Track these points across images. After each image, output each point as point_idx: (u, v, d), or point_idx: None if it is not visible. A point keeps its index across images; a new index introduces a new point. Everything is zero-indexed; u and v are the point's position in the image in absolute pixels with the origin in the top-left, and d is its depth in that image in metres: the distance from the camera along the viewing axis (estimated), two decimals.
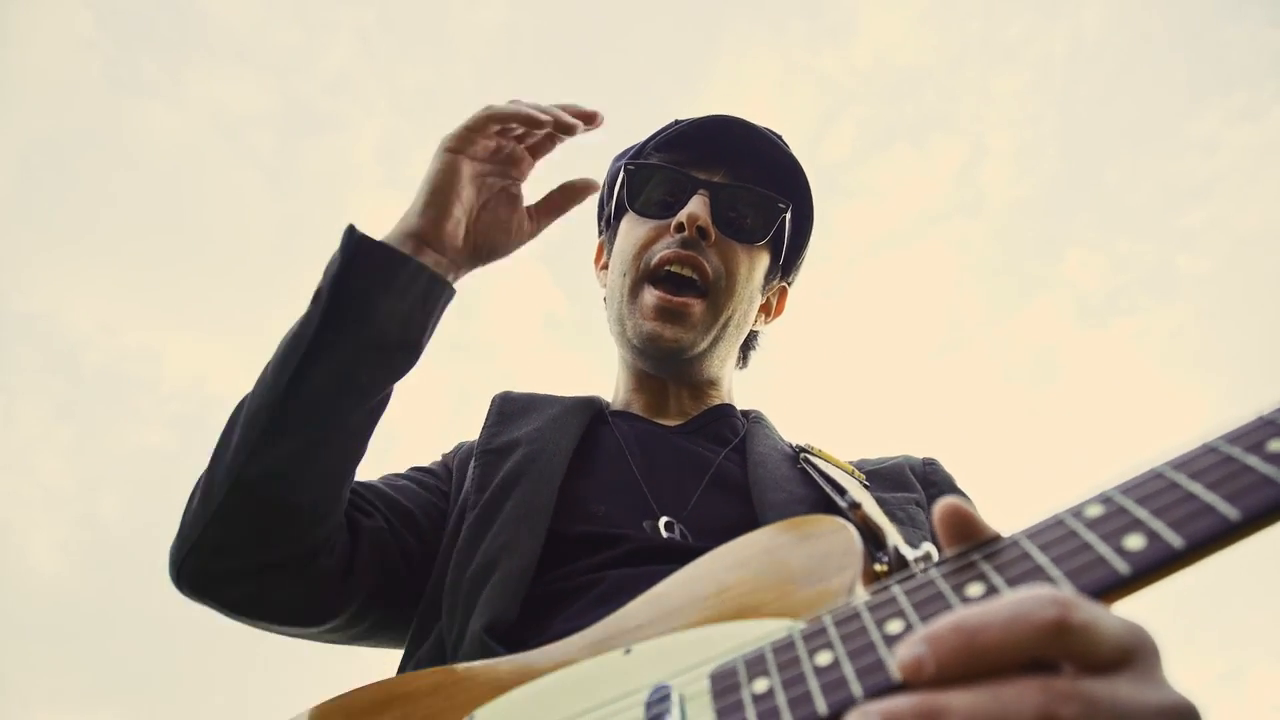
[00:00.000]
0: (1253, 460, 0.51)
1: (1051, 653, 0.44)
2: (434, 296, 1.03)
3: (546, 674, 0.70)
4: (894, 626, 0.54)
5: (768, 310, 1.46)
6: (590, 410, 1.27)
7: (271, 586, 0.99)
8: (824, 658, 0.54)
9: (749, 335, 1.45)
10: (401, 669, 1.01)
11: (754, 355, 1.52)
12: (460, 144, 1.03)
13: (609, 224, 1.42)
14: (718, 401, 1.35)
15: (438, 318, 1.06)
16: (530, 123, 1.02)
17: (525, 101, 1.04)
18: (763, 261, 1.33)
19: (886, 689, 0.50)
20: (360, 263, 0.98)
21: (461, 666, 0.78)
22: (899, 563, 0.71)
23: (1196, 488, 0.51)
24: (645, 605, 0.73)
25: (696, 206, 1.22)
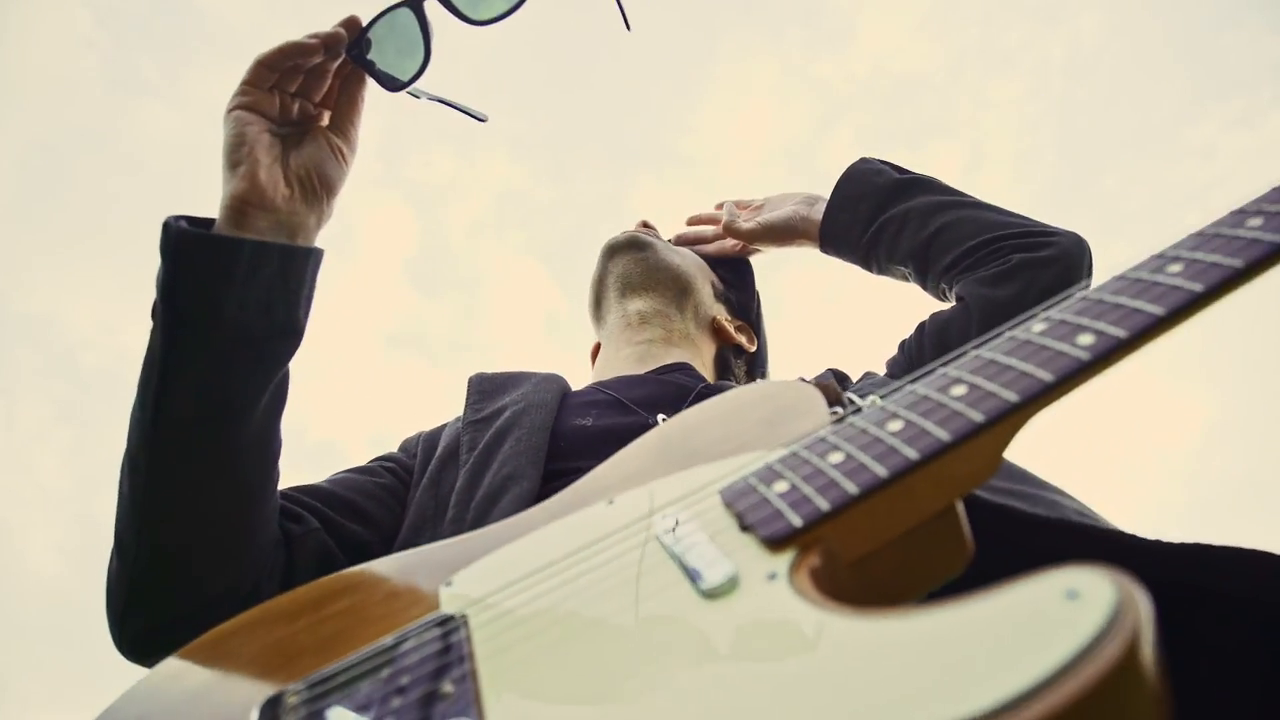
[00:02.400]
0: (1160, 277, 0.63)
1: None
2: (292, 268, 0.94)
3: (522, 536, 0.69)
4: (894, 425, 0.60)
5: (724, 335, 1.57)
6: (563, 381, 1.32)
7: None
8: (836, 456, 0.59)
9: (727, 362, 1.58)
10: None
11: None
12: (241, 100, 0.96)
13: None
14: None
15: (308, 287, 0.97)
16: (298, 51, 0.95)
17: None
18: (705, 266, 1.62)
19: (907, 468, 0.56)
20: (187, 263, 0.88)
21: (421, 548, 0.74)
22: (853, 411, 0.78)
23: (1122, 299, 0.62)
24: (614, 467, 0.74)
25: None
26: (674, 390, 1.25)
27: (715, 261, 1.66)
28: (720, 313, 1.58)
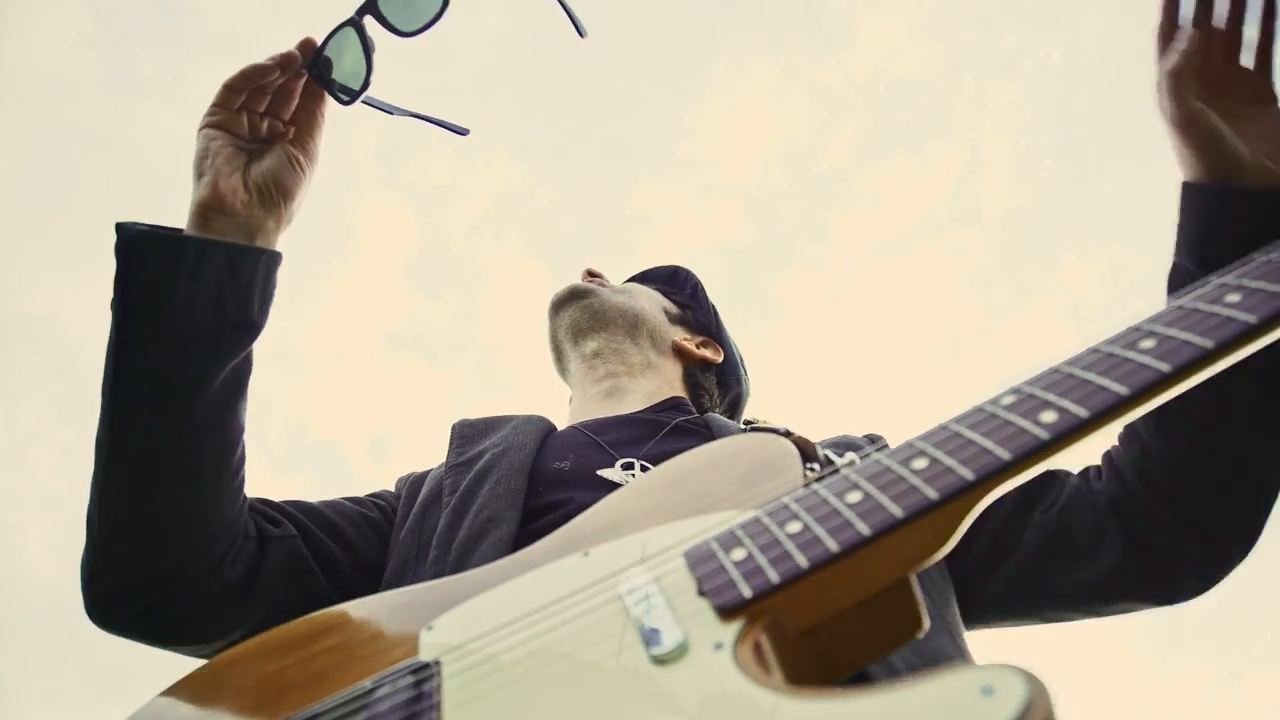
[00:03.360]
0: (1130, 353, 0.63)
1: None
2: (242, 266, 1.01)
3: (501, 584, 0.72)
4: (853, 497, 0.61)
5: (687, 355, 1.58)
6: (545, 422, 1.35)
7: (167, 600, 0.98)
8: (794, 526, 0.61)
9: (695, 379, 1.58)
10: None
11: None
12: (209, 120, 1.06)
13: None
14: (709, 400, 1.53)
15: (262, 284, 1.04)
16: (258, 73, 1.04)
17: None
18: (655, 295, 1.63)
19: (859, 543, 0.57)
20: (137, 258, 0.97)
21: (407, 589, 0.78)
22: (829, 468, 0.79)
23: (1091, 375, 0.62)
24: (594, 517, 0.77)
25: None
26: (649, 429, 1.26)
27: (665, 286, 1.70)
28: (679, 334, 1.60)
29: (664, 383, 1.49)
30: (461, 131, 1.18)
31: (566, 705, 0.55)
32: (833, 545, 0.57)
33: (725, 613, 0.56)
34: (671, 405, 1.40)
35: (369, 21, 1.08)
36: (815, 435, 1.44)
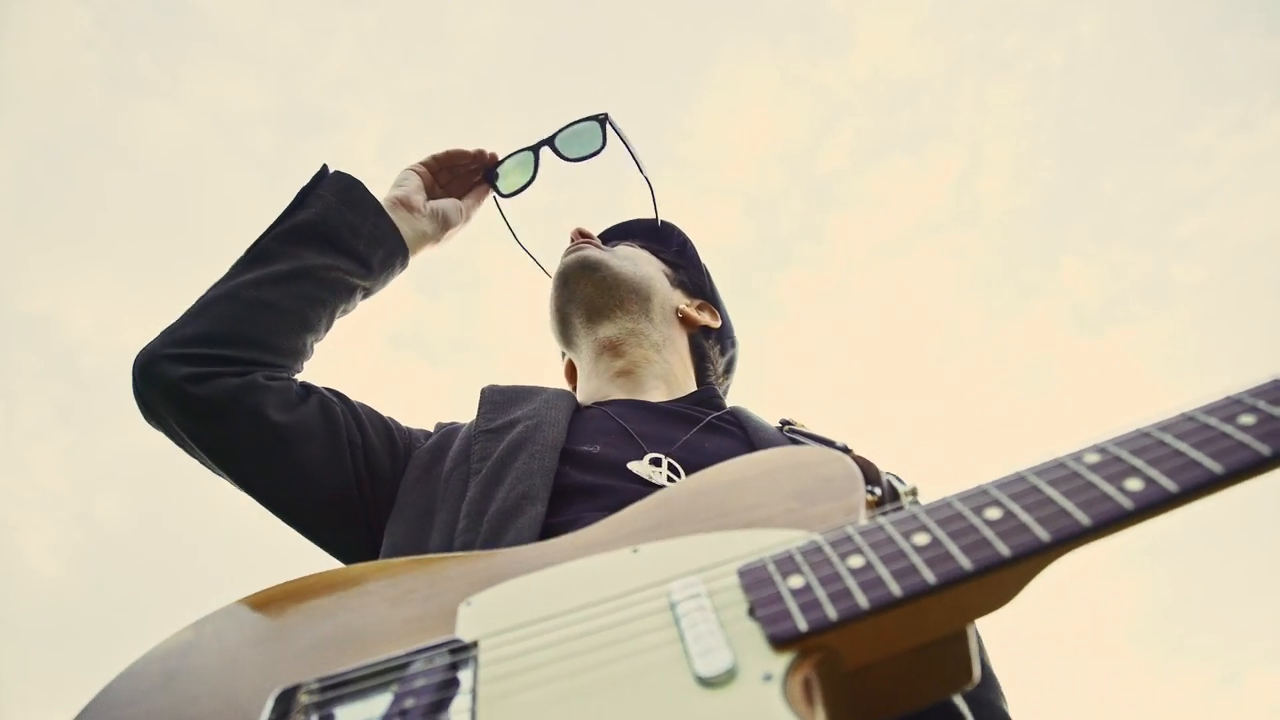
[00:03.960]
0: (1229, 428, 0.60)
1: None
2: (385, 236, 1.33)
3: (544, 568, 0.71)
4: (920, 539, 0.59)
5: (690, 321, 1.57)
6: (572, 397, 1.33)
7: (216, 377, 1.14)
8: (856, 560, 0.59)
9: (701, 348, 1.58)
10: None
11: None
12: (417, 166, 1.48)
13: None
14: (689, 386, 1.49)
15: (385, 258, 1.34)
16: (458, 156, 1.52)
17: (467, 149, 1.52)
18: (653, 259, 1.60)
19: (923, 591, 0.56)
20: (337, 182, 1.33)
21: (437, 557, 0.78)
22: (890, 493, 0.78)
23: (1183, 446, 0.60)
24: (643, 512, 0.76)
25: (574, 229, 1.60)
26: (681, 424, 1.25)
27: (657, 245, 1.65)
28: (680, 300, 1.57)
29: (680, 361, 1.49)
30: (547, 273, 1.59)
31: (605, 715, 0.54)
32: (896, 589, 0.56)
33: (778, 643, 0.55)
34: (700, 399, 1.38)
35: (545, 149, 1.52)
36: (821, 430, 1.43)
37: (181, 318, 1.20)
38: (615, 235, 1.70)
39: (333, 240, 1.27)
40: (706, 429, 1.23)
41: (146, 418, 1.20)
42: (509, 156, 1.52)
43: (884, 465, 0.85)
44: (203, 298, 1.22)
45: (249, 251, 1.26)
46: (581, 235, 1.58)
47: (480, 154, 1.50)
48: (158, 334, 1.18)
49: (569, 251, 1.54)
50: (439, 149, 1.50)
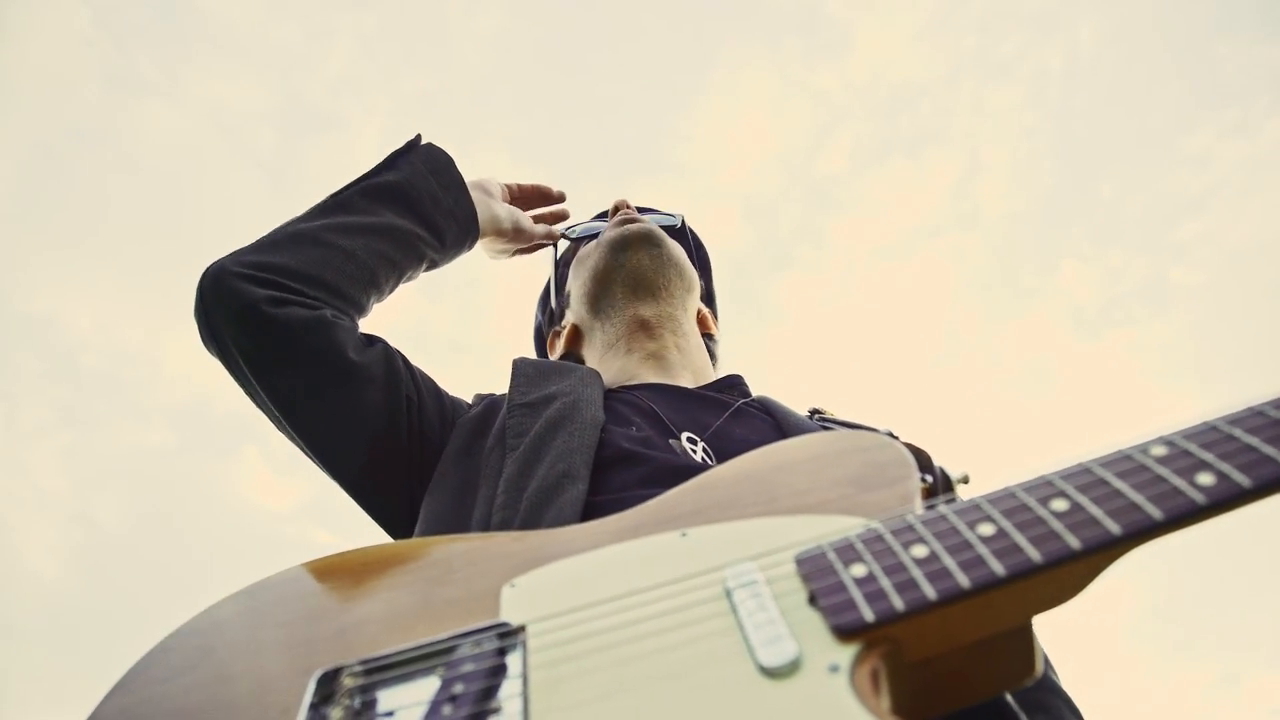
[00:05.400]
0: None
1: None
2: (463, 214, 1.36)
3: (589, 550, 0.69)
4: (986, 529, 0.58)
5: (705, 325, 1.58)
6: (601, 379, 1.30)
7: (291, 304, 1.13)
8: (919, 550, 0.58)
9: (710, 352, 1.57)
10: None
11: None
12: (506, 183, 1.54)
13: (557, 317, 1.64)
14: (713, 370, 1.50)
15: (458, 233, 1.37)
16: (543, 195, 1.60)
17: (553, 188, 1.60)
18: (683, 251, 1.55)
19: (992, 583, 0.54)
20: (430, 152, 1.37)
21: (481, 535, 0.76)
22: (944, 480, 0.76)
23: (1255, 441, 0.58)
24: (690, 494, 0.74)
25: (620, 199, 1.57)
26: (712, 409, 1.23)
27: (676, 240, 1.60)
28: (701, 305, 1.57)
29: (702, 355, 1.48)
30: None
31: (664, 705, 0.53)
32: (964, 581, 0.54)
33: (843, 633, 0.54)
34: (727, 385, 1.36)
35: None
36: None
37: (257, 244, 1.18)
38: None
39: (414, 205, 1.29)
40: (736, 415, 1.21)
41: (204, 337, 1.16)
42: (580, 226, 1.63)
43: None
44: (280, 230, 1.21)
45: (331, 198, 1.26)
46: (626, 206, 1.55)
47: (558, 197, 1.60)
48: (226, 254, 1.16)
49: (622, 220, 1.50)
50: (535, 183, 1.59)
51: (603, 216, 1.61)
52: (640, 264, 1.42)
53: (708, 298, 1.64)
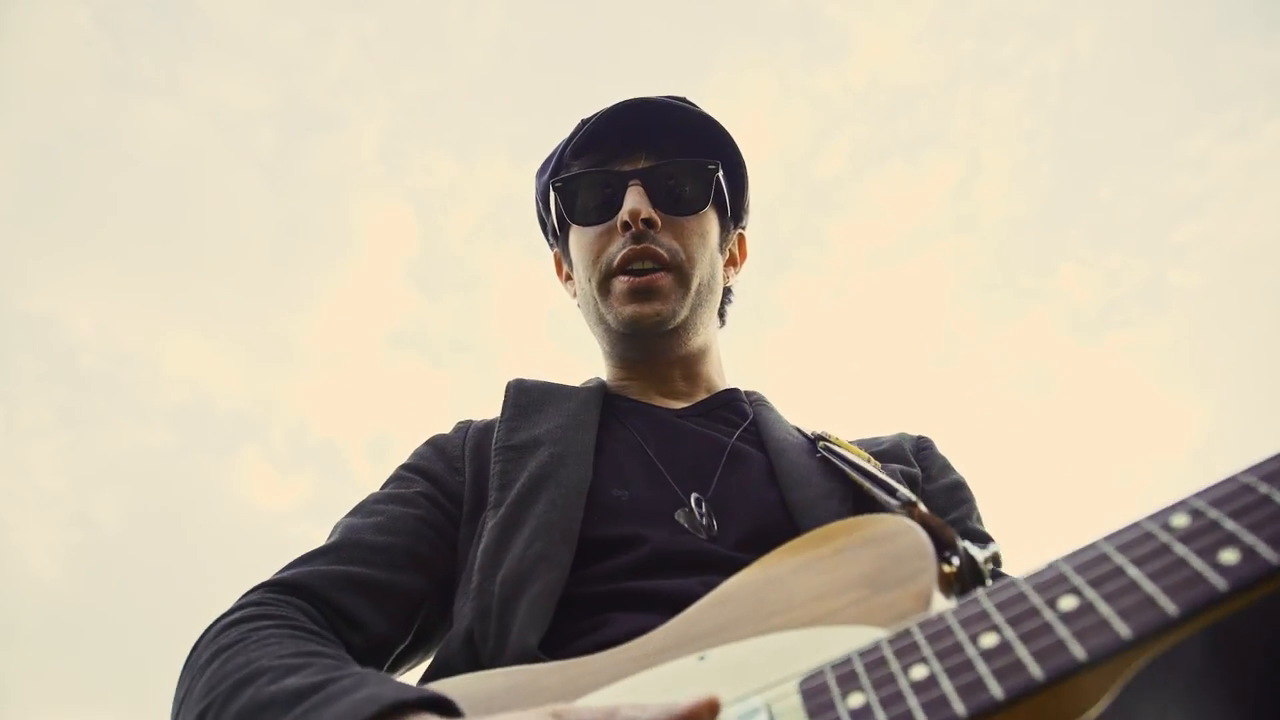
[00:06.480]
0: None
1: None
2: None
3: (613, 682, 0.70)
4: (989, 640, 0.54)
5: (733, 262, 1.48)
6: (600, 399, 1.26)
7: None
8: (919, 672, 0.55)
9: (724, 293, 1.46)
10: (432, 669, 0.98)
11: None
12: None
13: (556, 237, 1.43)
14: (716, 380, 1.37)
15: None
16: None
17: None
18: (713, 223, 1.34)
19: (990, 708, 0.51)
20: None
21: (500, 673, 0.78)
22: (969, 564, 0.72)
23: None
24: (710, 610, 0.73)
25: (633, 200, 1.24)
26: (707, 453, 1.15)
27: (705, 160, 1.30)
28: (723, 264, 1.39)
29: (710, 345, 1.38)
30: None
31: None
32: (959, 709, 0.51)
33: None
34: (722, 402, 1.30)
35: None
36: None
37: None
38: (663, 157, 1.28)
39: None
40: (734, 459, 1.15)
41: None
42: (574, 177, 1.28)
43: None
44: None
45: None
46: (641, 220, 1.23)
47: None
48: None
49: (629, 259, 1.23)
50: None
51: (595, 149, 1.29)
52: (648, 325, 1.24)
53: (737, 217, 1.43)
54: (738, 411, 1.30)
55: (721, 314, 1.47)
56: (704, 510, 1.05)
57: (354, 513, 1.13)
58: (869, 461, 1.11)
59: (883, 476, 1.00)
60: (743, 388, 1.41)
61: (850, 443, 1.22)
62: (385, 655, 1.03)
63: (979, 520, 1.16)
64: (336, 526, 1.10)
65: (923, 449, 1.26)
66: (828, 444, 1.16)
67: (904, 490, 0.92)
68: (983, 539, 1.09)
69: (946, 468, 1.23)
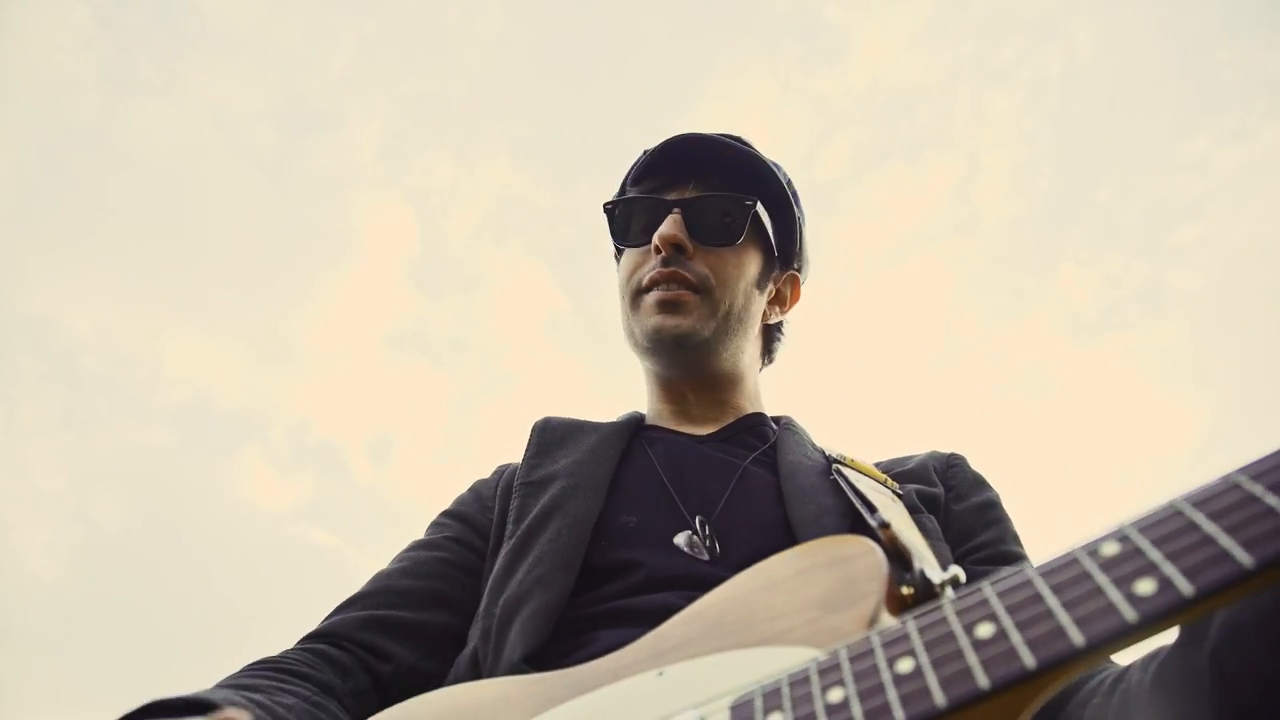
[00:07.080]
0: (1273, 500, 0.49)
1: None
2: None
3: (579, 695, 0.73)
4: (904, 665, 0.55)
5: (781, 301, 1.49)
6: (628, 432, 1.31)
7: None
8: (835, 695, 0.56)
9: (772, 331, 1.51)
10: (446, 684, 1.02)
11: (783, 353, 1.56)
12: None
13: (617, 260, 1.49)
14: (747, 407, 1.39)
15: None
16: None
17: None
18: (752, 258, 1.37)
19: None
20: None
21: (493, 683, 0.82)
22: (924, 586, 0.71)
23: (1214, 529, 0.50)
24: (682, 625, 0.75)
25: (669, 227, 1.29)
26: (719, 477, 1.17)
27: (751, 196, 1.32)
28: (765, 303, 1.41)
29: (742, 375, 1.39)
30: None
31: None
32: None
33: None
34: (747, 427, 1.31)
35: None
36: (820, 436, 1.30)
37: None
38: (707, 189, 1.33)
39: None
40: (744, 482, 1.17)
41: None
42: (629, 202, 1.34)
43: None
44: None
45: None
46: (671, 245, 1.27)
47: None
48: None
49: (656, 280, 1.28)
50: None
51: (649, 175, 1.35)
52: (670, 337, 1.28)
53: (787, 259, 1.45)
54: (760, 435, 1.32)
55: (771, 352, 1.52)
56: (706, 533, 1.08)
57: (390, 563, 1.23)
58: (879, 481, 1.11)
59: (869, 496, 0.99)
60: (777, 413, 1.42)
61: (878, 463, 1.21)
62: (419, 680, 1.09)
63: (1015, 540, 1.13)
64: (372, 577, 1.20)
65: (952, 466, 1.24)
66: (840, 466, 1.16)
67: (882, 513, 0.91)
68: (1015, 560, 1.06)
69: (977, 486, 1.21)
